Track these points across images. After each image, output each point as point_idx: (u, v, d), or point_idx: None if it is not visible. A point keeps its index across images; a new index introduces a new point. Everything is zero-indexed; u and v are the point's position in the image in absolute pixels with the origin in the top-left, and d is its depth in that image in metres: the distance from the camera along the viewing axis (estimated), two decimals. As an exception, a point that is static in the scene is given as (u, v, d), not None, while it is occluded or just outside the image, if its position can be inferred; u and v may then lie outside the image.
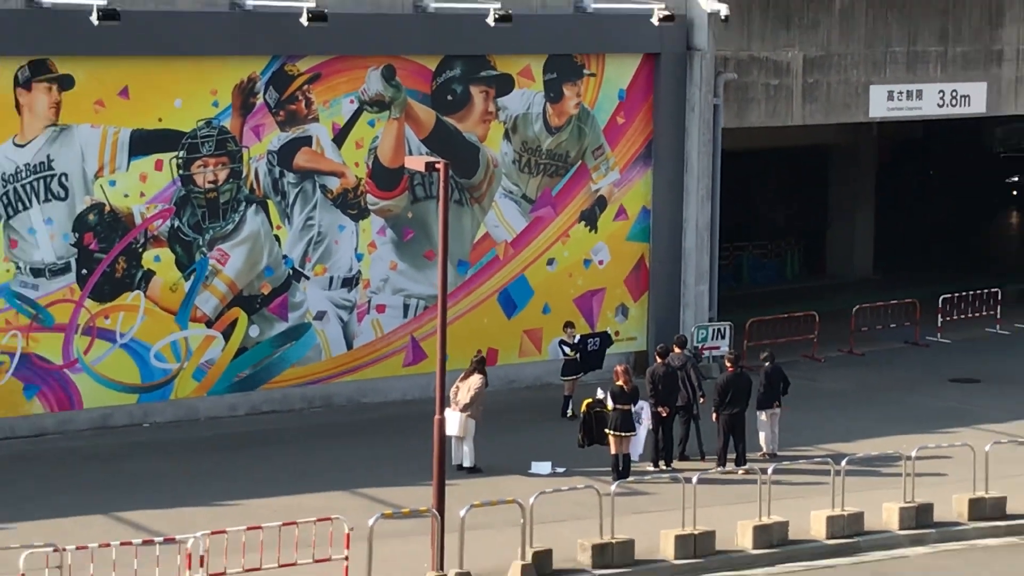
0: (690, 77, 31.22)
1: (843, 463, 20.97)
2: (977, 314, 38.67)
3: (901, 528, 21.05)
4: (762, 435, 24.75)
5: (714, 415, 23.90)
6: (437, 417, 18.46)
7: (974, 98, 36.51)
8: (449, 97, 29.31)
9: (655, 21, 29.57)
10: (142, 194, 25.48)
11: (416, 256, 28.72)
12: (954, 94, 36.15)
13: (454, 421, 22.19)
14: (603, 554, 18.36)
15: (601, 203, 30.49)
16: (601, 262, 30.89)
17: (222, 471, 23.53)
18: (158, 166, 25.46)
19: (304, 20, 25.33)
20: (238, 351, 27.00)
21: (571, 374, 27.31)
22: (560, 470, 23.70)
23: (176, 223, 25.81)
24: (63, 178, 24.62)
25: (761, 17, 33.73)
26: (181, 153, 25.74)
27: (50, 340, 24.99)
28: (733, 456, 23.96)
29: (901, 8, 36.06)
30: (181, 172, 25.66)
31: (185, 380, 26.29)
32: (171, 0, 26.36)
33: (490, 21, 27.40)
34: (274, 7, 26.22)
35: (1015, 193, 57.23)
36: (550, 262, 30.31)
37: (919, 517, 21.14)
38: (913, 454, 21.87)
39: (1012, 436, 25.39)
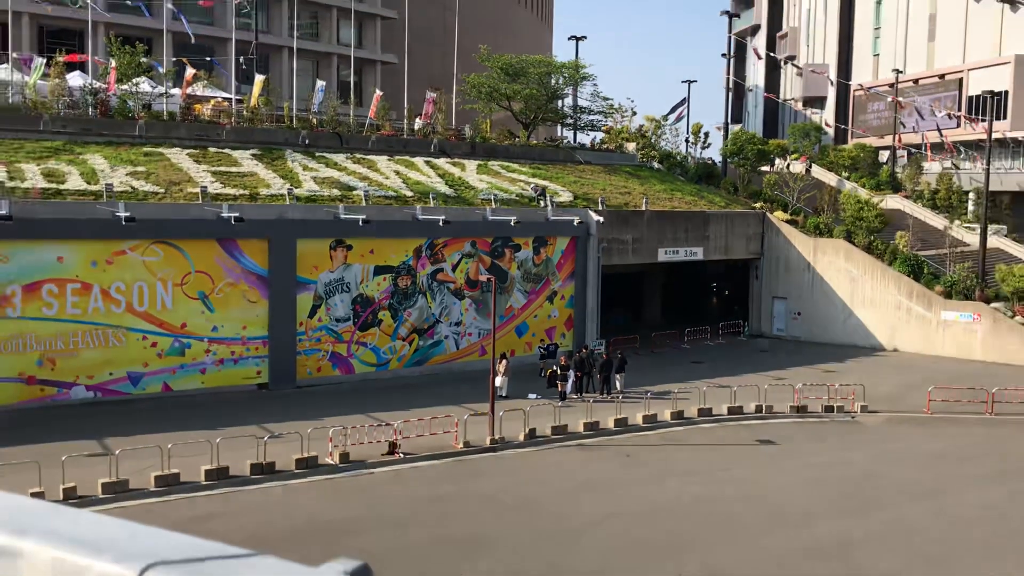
0: (590, 245, 40.46)
1: (648, 394, 31.24)
2: (701, 336, 47.44)
3: (672, 419, 29.33)
4: (619, 384, 33.65)
5: (599, 375, 33.70)
6: (492, 376, 28.20)
7: (699, 253, 46.80)
8: (496, 252, 38.65)
9: (575, 223, 39.65)
10: (379, 288, 35.60)
11: (483, 314, 37.25)
12: (691, 252, 46.56)
13: (498, 379, 30.36)
14: (555, 431, 27.48)
15: (553, 294, 40.20)
16: (552, 316, 40.45)
17: (409, 397, 31.82)
18: (385, 279, 35.69)
19: (440, 224, 35.48)
20: (415, 350, 36.49)
21: (544, 358, 36.42)
22: (537, 396, 32.21)
23: (390, 301, 35.79)
24: (345, 285, 34.62)
25: (617, 221, 42.57)
26: (393, 274, 35.91)
27: (342, 347, 34.69)
28: (608, 392, 33.18)
29: (670, 218, 46.02)
30: (392, 281, 35.91)
31: (393, 363, 36.03)
32: (405, 213, 36.05)
33: (512, 223, 37.43)
34: (430, 220, 35.62)
35: (714, 288, 63.89)
36: (535, 316, 39.72)
37: (681, 416, 29.86)
38: (676, 390, 31.93)
39: (721, 384, 34.35)
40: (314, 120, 45.05)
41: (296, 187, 36.12)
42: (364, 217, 34.07)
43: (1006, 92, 73.19)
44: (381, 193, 38.12)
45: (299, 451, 23.76)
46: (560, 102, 60.46)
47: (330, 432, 24.43)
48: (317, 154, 41.22)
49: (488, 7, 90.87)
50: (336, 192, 37.09)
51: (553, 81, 56.92)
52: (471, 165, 45.19)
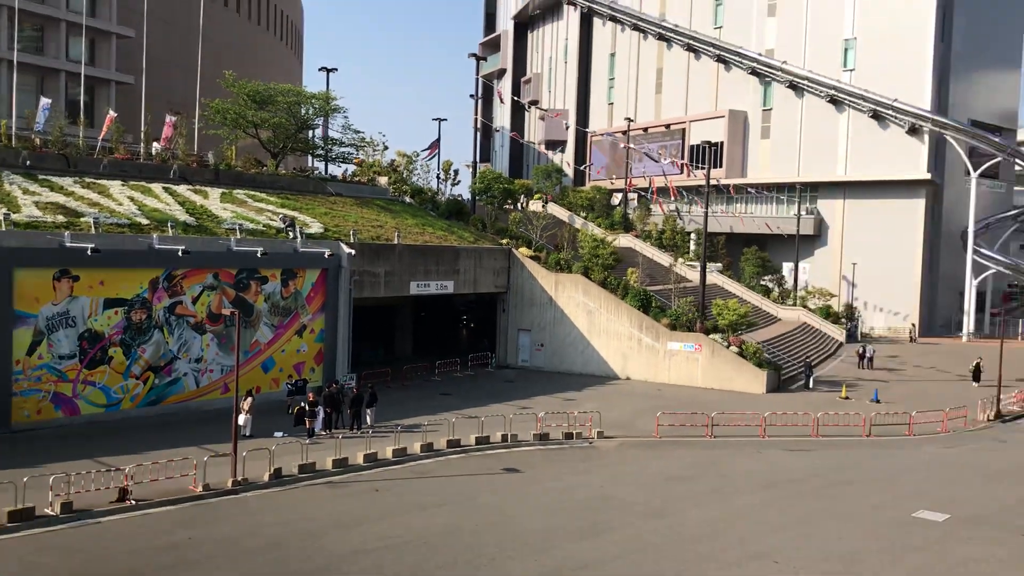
0: (341, 277, 39.90)
1: (399, 428, 31.36)
2: (451, 368, 48.28)
3: (421, 451, 29.46)
4: (369, 419, 33.43)
5: (349, 411, 33.21)
6: (235, 415, 26.95)
7: (450, 287, 47.45)
8: (241, 284, 37.21)
9: (326, 255, 38.94)
10: (110, 322, 32.97)
11: (226, 350, 35.83)
12: (442, 285, 46.99)
13: (241, 417, 29.79)
14: (303, 469, 26.60)
15: (302, 328, 39.15)
16: (301, 351, 39.31)
17: (143, 439, 30.52)
18: (116, 312, 33.15)
19: (180, 254, 33.42)
20: (150, 388, 34.06)
21: (292, 395, 35.08)
22: (284, 434, 31.37)
23: (123, 336, 33.34)
24: (71, 319, 31.86)
25: (369, 254, 42.15)
26: (126, 308, 33.45)
27: (66, 387, 31.84)
28: (358, 427, 32.71)
29: (422, 252, 46.11)
30: (125, 315, 33.32)
31: (126, 403, 33.51)
32: (140, 242, 33.38)
33: (258, 254, 35.95)
34: (168, 249, 33.64)
35: (464, 321, 64.75)
36: (282, 350, 38.45)
37: (431, 448, 30.16)
38: (426, 423, 32.54)
39: (470, 415, 35.02)
40: (37, 140, 41.42)
41: (14, 212, 33.04)
42: (93, 246, 31.74)
43: (721, 143, 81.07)
44: (113, 220, 35.67)
45: (12, 502, 21.52)
46: (311, 132, 59.61)
47: (50, 480, 22.29)
48: (40, 177, 38.04)
49: (235, 33, 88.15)
50: (61, 218, 34.22)
51: (303, 111, 56.03)
52: (215, 193, 43.46)
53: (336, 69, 58.57)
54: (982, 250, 69.12)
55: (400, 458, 29.30)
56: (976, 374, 47.35)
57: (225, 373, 36.36)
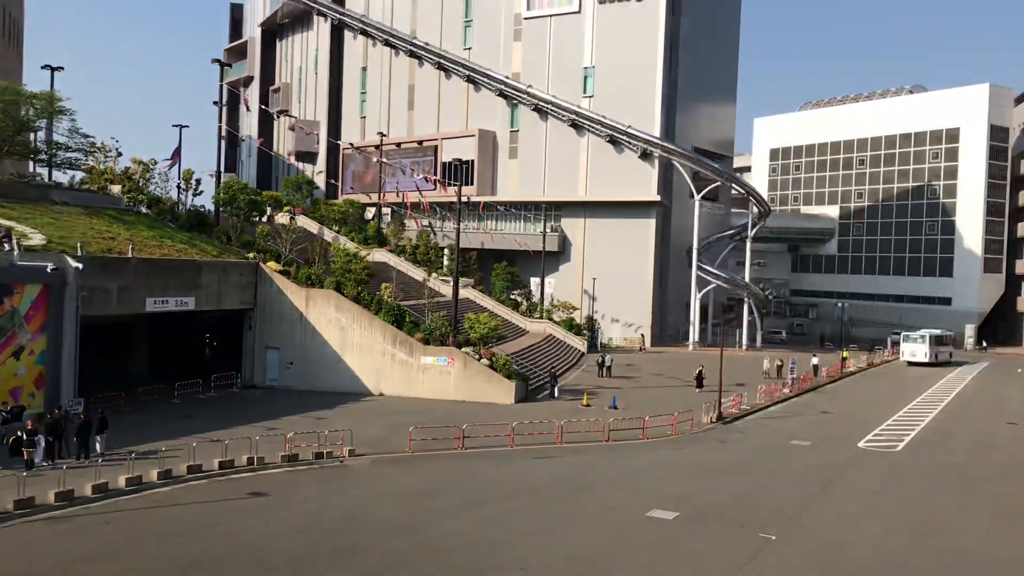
0: (67, 294, 36.56)
1: (132, 455, 29.50)
2: (193, 389, 45.75)
3: (159, 479, 27.32)
4: (99, 446, 30.76)
5: (75, 438, 30.46)
6: None
7: (191, 303, 44.80)
8: None
9: (49, 270, 35.57)
10: None
11: None
12: (182, 301, 44.26)
13: None
14: (19, 505, 24.06)
15: (20, 349, 35.38)
16: (18, 374, 35.51)
17: None
18: None
19: None
20: None
21: (7, 423, 32.24)
22: None
23: None
24: None
25: (99, 268, 38.64)
26: None
27: None
28: (86, 456, 30.30)
29: (160, 266, 43.03)
30: None
31: None
32: None
33: None
34: None
35: (207, 339, 61.63)
36: None
37: (170, 475, 28.07)
38: (164, 448, 30.60)
39: (213, 439, 33.35)
40: None
41: None
42: None
43: (472, 161, 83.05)
44: None
45: None
46: (32, 136, 54.42)
47: None
48: None
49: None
50: None
51: (23, 112, 51.06)
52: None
53: (62, 68, 53.85)
54: (705, 266, 75.56)
55: (135, 487, 27.30)
56: (699, 381, 51.26)
57: (-75, 402, 32.21)
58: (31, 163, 58.69)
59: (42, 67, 54.53)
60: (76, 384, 37.90)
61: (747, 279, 79.89)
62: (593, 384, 52.30)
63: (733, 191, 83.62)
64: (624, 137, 74.86)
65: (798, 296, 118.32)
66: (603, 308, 76.18)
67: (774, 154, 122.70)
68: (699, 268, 75.21)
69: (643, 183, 74.91)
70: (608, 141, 76.12)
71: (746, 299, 78.19)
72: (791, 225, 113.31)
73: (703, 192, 75.25)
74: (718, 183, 77.13)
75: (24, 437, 29.56)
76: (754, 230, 78.76)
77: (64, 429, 31.43)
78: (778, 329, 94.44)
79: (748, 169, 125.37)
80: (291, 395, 47.81)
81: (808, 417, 44.49)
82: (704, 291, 76.38)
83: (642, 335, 74.02)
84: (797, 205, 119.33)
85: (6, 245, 36.75)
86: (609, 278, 75.82)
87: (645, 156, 74.50)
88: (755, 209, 77.93)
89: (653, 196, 74.23)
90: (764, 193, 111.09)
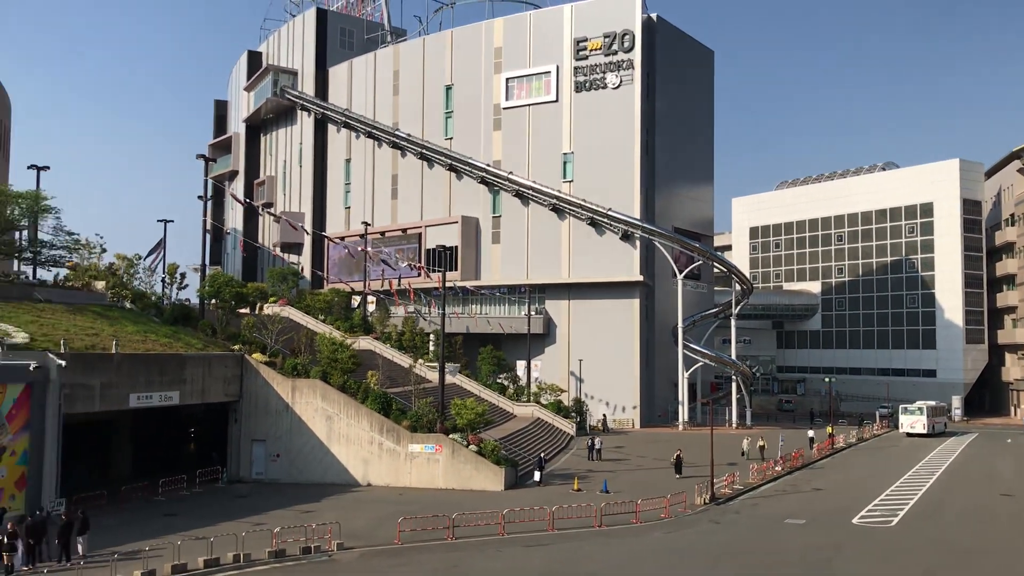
0: (49, 392, 36.30)
1: (115, 556, 28.94)
2: (177, 486, 44.89)
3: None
4: (80, 548, 30.01)
5: (56, 541, 29.76)
6: None
7: (175, 398, 44.07)
8: None
9: (31, 368, 35.36)
10: None
11: None
12: (166, 396, 43.57)
13: None
14: None
15: (1, 450, 34.74)
16: (0, 475, 34.90)
17: None
18: None
19: None
20: None
21: None
22: None
23: None
24: None
25: (82, 365, 38.24)
26: None
27: None
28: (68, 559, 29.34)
29: (144, 361, 42.74)
30: None
31: None
32: None
33: None
34: None
35: (192, 434, 60.66)
36: None
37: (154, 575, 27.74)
38: (148, 548, 29.44)
39: (198, 536, 32.26)
40: None
41: None
42: None
43: (456, 247, 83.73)
44: None
45: None
46: (17, 234, 54.55)
47: None
48: None
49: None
50: None
51: (8, 211, 51.28)
52: None
53: (48, 167, 54.35)
54: (691, 344, 75.71)
55: (117, 590, 26.47)
56: (678, 466, 48.43)
57: (-98, 507, 31.44)
58: (15, 262, 58.64)
59: (28, 167, 55.05)
60: (58, 484, 37.17)
61: (734, 356, 79.98)
62: (584, 468, 51.70)
63: (715, 269, 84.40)
64: (605, 219, 75.83)
65: (785, 372, 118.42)
66: (590, 389, 75.92)
67: (753, 232, 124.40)
68: (685, 346, 75.34)
69: (625, 264, 75.55)
70: (589, 223, 77.04)
71: (734, 376, 78.16)
72: (774, 302, 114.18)
73: (685, 271, 75.92)
74: (700, 262, 77.92)
75: (4, 541, 28.70)
76: (738, 307, 79.28)
77: (46, 531, 30.64)
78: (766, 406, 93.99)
79: (729, 248, 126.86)
80: (278, 488, 46.98)
81: (801, 495, 44.00)
82: (691, 369, 76.34)
83: (631, 417, 73.56)
84: (779, 282, 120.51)
85: (-12, 344, 36.31)
86: (595, 359, 75.77)
87: (626, 237, 75.33)
88: (738, 287, 78.59)
89: (636, 276, 74.79)
90: (746, 271, 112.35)
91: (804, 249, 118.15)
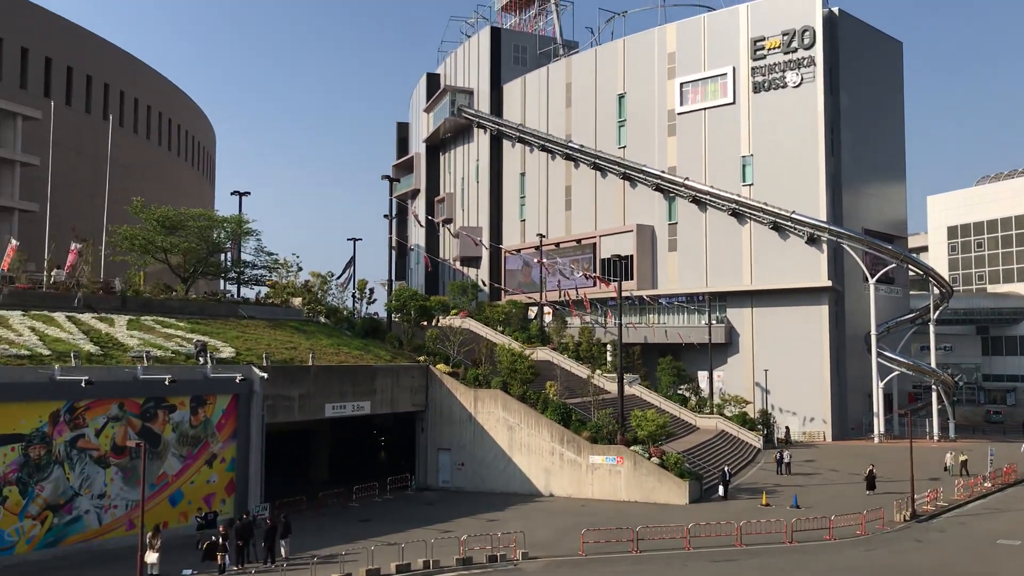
0: (254, 402, 38.92)
1: (315, 559, 30.59)
2: (369, 492, 46.89)
3: None
4: (284, 550, 31.97)
5: (263, 543, 31.85)
6: (140, 554, 26.58)
7: (367, 408, 46.59)
8: (148, 414, 35.34)
9: (238, 380, 38.05)
10: (4, 460, 31.23)
11: (131, 483, 34.26)
12: (358, 406, 46.26)
13: (151, 555, 28.69)
14: None
15: (212, 457, 37.63)
16: (211, 481, 37.68)
17: None
18: (12, 449, 31.48)
19: (83, 385, 32.67)
20: (48, 529, 32.15)
21: (201, 528, 34.54)
22: (193, 571, 29.73)
23: (19, 475, 31.56)
24: None
25: (283, 377, 41.43)
26: (23, 444, 31.87)
27: None
28: (272, 560, 31.46)
29: (337, 372, 44.95)
30: (23, 452, 31.70)
31: (21, 546, 31.46)
32: (40, 373, 32.15)
33: (166, 382, 34.78)
34: (70, 380, 32.52)
35: (382, 442, 63.40)
36: (191, 482, 36.74)
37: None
38: (344, 552, 32.34)
39: (390, 542, 33.91)
40: (-73, 270, 39.86)
41: (-99, 346, 31.27)
42: (-13, 380, 30.00)
43: (631, 256, 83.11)
44: (12, 352, 34.12)
45: None
46: (223, 256, 58.94)
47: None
48: (-68, 308, 36.21)
49: (146, 161, 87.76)
50: (-46, 352, 32.50)
51: (215, 235, 55.56)
52: (121, 320, 42.25)
53: (249, 193, 58.43)
54: (886, 352, 71.56)
55: (318, 591, 27.84)
56: (870, 481, 46.08)
57: (130, 508, 34.50)
58: (221, 282, 63.29)
59: (231, 193, 59.38)
60: (262, 490, 39.63)
61: (933, 364, 74.90)
62: (772, 482, 49.86)
63: (910, 272, 79.49)
64: (788, 223, 73.08)
65: (992, 381, 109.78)
66: (777, 401, 73.19)
67: (952, 231, 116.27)
68: (879, 355, 71.31)
69: (812, 269, 72.45)
70: (771, 228, 74.48)
71: (934, 386, 73.13)
72: (978, 305, 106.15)
73: (877, 275, 71.94)
74: (893, 265, 73.55)
75: (218, 542, 30.75)
76: (936, 312, 74.21)
77: (252, 534, 32.52)
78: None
79: (925, 249, 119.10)
80: (463, 496, 48.09)
81: (1016, 513, 40.55)
82: (887, 379, 72.09)
83: (822, 429, 70.32)
84: (983, 284, 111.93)
85: (201, 359, 39.36)
86: (782, 368, 73.00)
87: (812, 241, 72.28)
88: (936, 290, 73.59)
89: (823, 282, 71.55)
90: (944, 273, 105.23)
91: (1010, 248, 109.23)
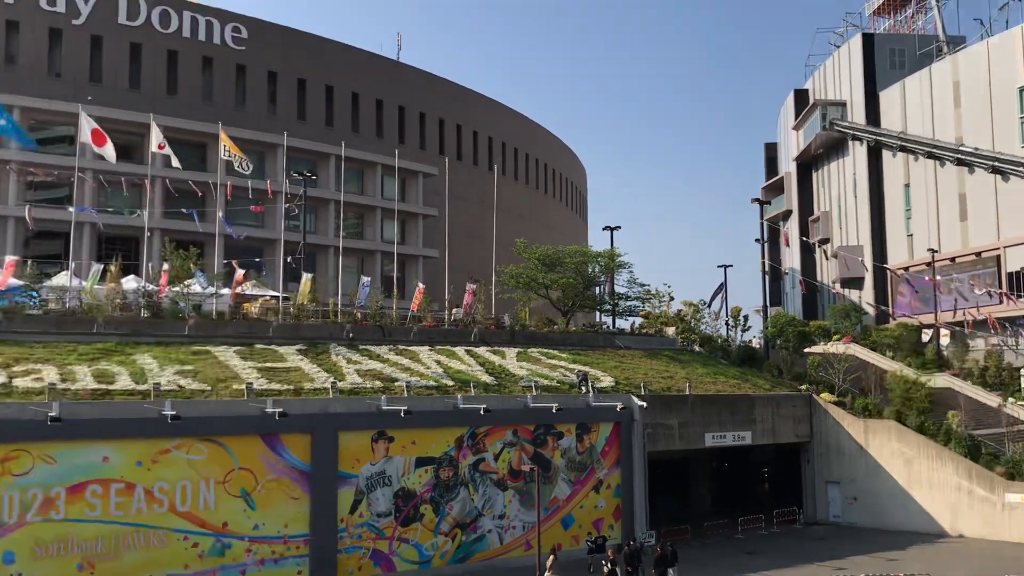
0: (634, 430, 39.95)
1: None
2: (755, 524, 45.59)
3: None
4: None
5: (654, 571, 32.21)
6: (538, 573, 28.26)
7: (747, 438, 46.00)
8: (539, 440, 38.16)
9: (618, 409, 39.25)
10: (420, 480, 34.90)
11: (527, 506, 36.51)
12: (739, 436, 45.87)
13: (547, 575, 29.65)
14: None
15: (599, 483, 39.28)
16: (598, 507, 39.39)
17: None
18: (426, 471, 35.00)
19: (481, 412, 35.07)
20: (458, 546, 35.29)
21: (591, 552, 34.33)
22: None
23: (432, 494, 35.03)
24: (387, 479, 33.86)
25: (660, 406, 42.30)
26: (435, 466, 35.28)
27: (383, 544, 33.55)
28: None
29: (715, 402, 45.60)
30: (434, 473, 35.11)
31: (436, 560, 34.68)
32: (447, 402, 35.37)
33: (553, 410, 37.21)
34: (471, 408, 35.38)
35: (764, 474, 60.64)
36: (580, 506, 38.60)
37: None
38: None
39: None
40: (358, 314, 46.27)
41: (339, 380, 36.56)
42: (406, 408, 33.95)
43: (1048, 268, 73.32)
44: (423, 384, 38.30)
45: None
46: (597, 289, 61.60)
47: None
48: (361, 347, 41.97)
49: (526, 204, 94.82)
50: (379, 384, 37.24)
51: (589, 269, 58.30)
52: (511, 353, 45.66)
53: (619, 227, 60.74)
54: None
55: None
56: None
57: (527, 530, 36.75)
58: (597, 314, 66.14)
59: (603, 228, 62.04)
60: (647, 517, 40.37)
61: None
62: None
63: None
64: None
65: None
66: None
67: None
68: None
69: None
70: None
71: None
72: None
73: None
74: None
75: (614, 568, 31.39)
76: None
77: (641, 560, 33.08)
78: None
79: None
80: (854, 533, 45.36)
81: None
82: None
83: None
84: None
85: (583, 388, 41.35)
86: None
87: None
88: None
89: None
90: None
91: None
